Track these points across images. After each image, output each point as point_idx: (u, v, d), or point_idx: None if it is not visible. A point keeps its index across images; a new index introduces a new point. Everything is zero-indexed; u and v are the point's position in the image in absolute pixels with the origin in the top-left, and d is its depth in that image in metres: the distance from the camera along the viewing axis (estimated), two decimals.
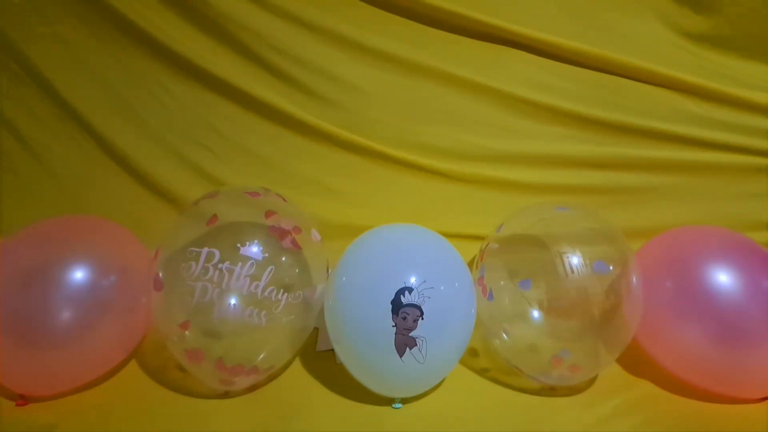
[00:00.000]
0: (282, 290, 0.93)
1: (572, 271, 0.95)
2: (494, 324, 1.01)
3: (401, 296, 0.88)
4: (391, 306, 0.88)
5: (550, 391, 1.01)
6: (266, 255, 0.93)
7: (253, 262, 0.91)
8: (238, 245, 0.92)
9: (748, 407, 0.97)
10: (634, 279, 0.98)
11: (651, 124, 1.32)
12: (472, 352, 1.10)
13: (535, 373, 0.99)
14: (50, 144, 1.30)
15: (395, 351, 0.88)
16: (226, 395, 0.96)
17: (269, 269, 0.92)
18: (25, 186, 1.29)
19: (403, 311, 0.88)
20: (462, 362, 1.06)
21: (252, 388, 0.98)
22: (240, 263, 0.90)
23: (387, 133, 1.33)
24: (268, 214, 0.98)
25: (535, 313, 0.97)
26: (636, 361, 1.06)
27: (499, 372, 1.06)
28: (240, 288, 0.90)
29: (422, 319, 0.88)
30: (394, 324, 0.88)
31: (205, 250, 0.91)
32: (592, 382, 1.02)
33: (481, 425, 0.93)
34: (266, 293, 0.91)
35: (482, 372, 1.07)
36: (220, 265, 0.90)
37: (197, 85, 1.31)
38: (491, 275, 1.01)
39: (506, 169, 1.35)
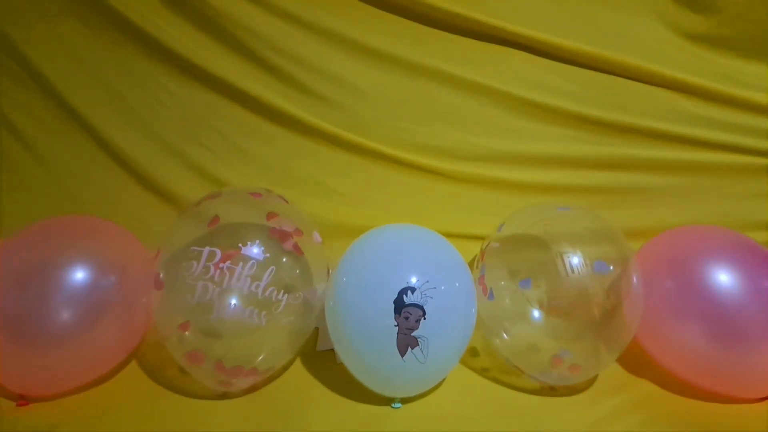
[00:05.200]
0: (283, 291, 0.93)
1: (572, 271, 0.95)
2: (495, 323, 1.01)
3: (404, 296, 0.88)
4: (393, 306, 0.88)
5: (550, 391, 1.01)
6: (267, 255, 0.93)
7: (254, 262, 0.91)
8: (240, 245, 0.92)
9: (748, 407, 0.98)
10: (634, 279, 0.98)
11: (651, 124, 1.31)
12: (473, 352, 1.10)
13: (535, 372, 0.99)
14: (50, 144, 1.30)
15: (397, 351, 0.88)
16: (224, 396, 0.96)
17: (270, 269, 0.92)
18: (25, 186, 1.29)
19: (406, 311, 0.88)
20: (462, 362, 1.07)
21: (252, 388, 0.98)
22: (241, 263, 0.90)
23: (387, 133, 1.33)
24: (270, 216, 0.98)
25: (536, 313, 0.97)
26: (636, 361, 1.06)
27: (499, 372, 1.06)
28: (240, 288, 0.90)
29: (424, 318, 0.88)
30: (396, 324, 0.88)
31: (206, 249, 0.91)
32: (592, 382, 1.03)
33: (481, 425, 0.93)
34: (267, 293, 0.91)
35: (482, 372, 1.07)
36: (221, 265, 0.90)
37: (197, 85, 1.30)
38: (492, 275, 1.02)
39: (506, 169, 1.35)
